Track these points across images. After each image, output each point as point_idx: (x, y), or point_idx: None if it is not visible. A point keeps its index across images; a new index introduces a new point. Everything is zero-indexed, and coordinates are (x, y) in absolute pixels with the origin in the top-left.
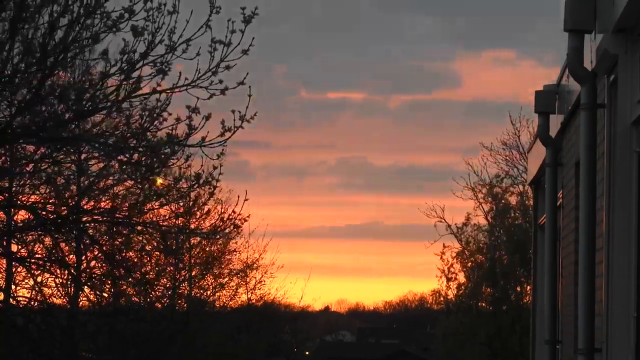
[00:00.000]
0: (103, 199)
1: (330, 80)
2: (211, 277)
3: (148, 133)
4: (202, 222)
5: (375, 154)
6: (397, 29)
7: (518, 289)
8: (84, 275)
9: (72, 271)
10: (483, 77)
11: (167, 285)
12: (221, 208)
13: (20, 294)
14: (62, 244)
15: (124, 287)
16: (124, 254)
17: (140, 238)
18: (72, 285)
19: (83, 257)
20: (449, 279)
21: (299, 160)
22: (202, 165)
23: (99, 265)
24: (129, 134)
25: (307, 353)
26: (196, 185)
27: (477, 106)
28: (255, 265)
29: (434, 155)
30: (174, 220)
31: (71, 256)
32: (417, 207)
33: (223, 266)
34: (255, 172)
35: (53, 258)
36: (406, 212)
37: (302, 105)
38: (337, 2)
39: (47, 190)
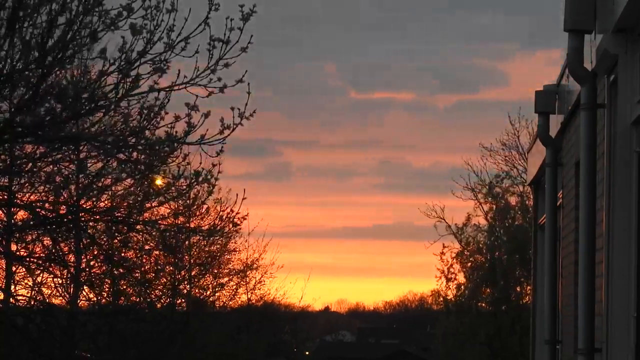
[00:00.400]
0: (102, 198)
1: (378, 80)
2: (211, 277)
3: (147, 131)
4: (201, 221)
5: (415, 154)
6: (447, 27)
7: (518, 289)
8: (83, 274)
9: (72, 270)
10: (534, 77)
11: (167, 285)
12: (220, 207)
13: (20, 293)
14: (62, 243)
15: (124, 286)
16: (123, 254)
17: (140, 237)
18: (72, 284)
19: (82, 257)
20: (448, 279)
21: (339, 160)
22: (200, 163)
23: (99, 264)
24: (127, 132)
25: (307, 353)
26: (195, 183)
27: (525, 106)
28: (255, 265)
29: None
30: (173, 219)
31: (70, 255)
32: (416, 207)
33: (223, 266)
34: (295, 172)
35: (52, 257)
36: (408, 212)
37: (349, 104)
38: (388, 1)
39: (46, 190)
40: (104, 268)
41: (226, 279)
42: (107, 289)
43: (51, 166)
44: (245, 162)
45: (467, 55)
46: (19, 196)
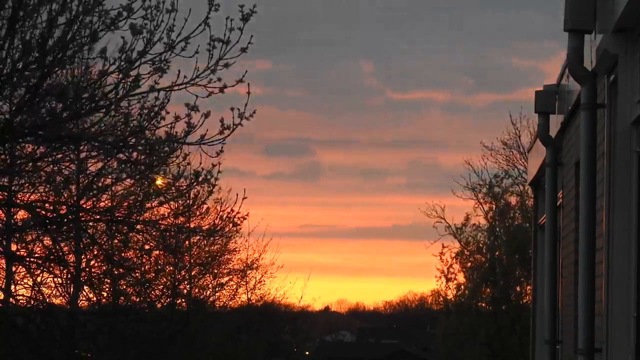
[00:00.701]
0: (102, 198)
1: (414, 79)
2: (210, 277)
3: (147, 131)
4: (201, 221)
5: (446, 155)
6: (485, 26)
7: (518, 289)
8: (83, 274)
9: (72, 270)
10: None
11: (167, 285)
12: (220, 207)
13: (20, 293)
14: (62, 243)
15: (124, 286)
16: (123, 254)
17: (140, 237)
18: (72, 284)
19: (82, 257)
20: (448, 280)
21: (369, 160)
22: (200, 163)
23: (99, 264)
24: (127, 132)
25: (307, 353)
26: (195, 183)
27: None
28: (255, 265)
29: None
30: (174, 219)
31: (70, 255)
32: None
33: (223, 266)
34: (325, 171)
35: (52, 257)
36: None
37: (385, 103)
38: (427, 1)
39: (47, 189)
40: (104, 268)
41: (226, 278)
42: (107, 289)
43: (51, 166)
44: (277, 162)
45: (506, 55)
46: (19, 196)
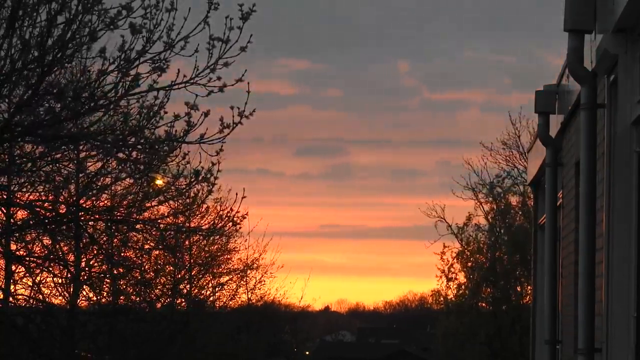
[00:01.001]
0: (102, 198)
1: (452, 79)
2: (210, 276)
3: (146, 130)
4: (201, 220)
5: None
6: (521, 26)
7: (518, 289)
8: (83, 274)
9: (72, 270)
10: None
11: (167, 285)
12: (220, 207)
13: (20, 293)
14: (61, 243)
15: (124, 286)
16: (123, 253)
17: (140, 237)
18: (72, 284)
19: (82, 256)
20: (449, 279)
21: (401, 160)
22: (200, 162)
23: (99, 264)
24: (127, 132)
25: (307, 353)
26: (195, 182)
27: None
28: (255, 265)
29: None
30: (173, 219)
31: (70, 255)
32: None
33: (222, 266)
34: (356, 171)
35: (52, 257)
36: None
37: (421, 104)
38: (463, 1)
39: (46, 189)
40: (104, 268)
41: (226, 278)
42: (107, 289)
43: (51, 165)
44: (309, 162)
45: (540, 54)
46: (19, 195)
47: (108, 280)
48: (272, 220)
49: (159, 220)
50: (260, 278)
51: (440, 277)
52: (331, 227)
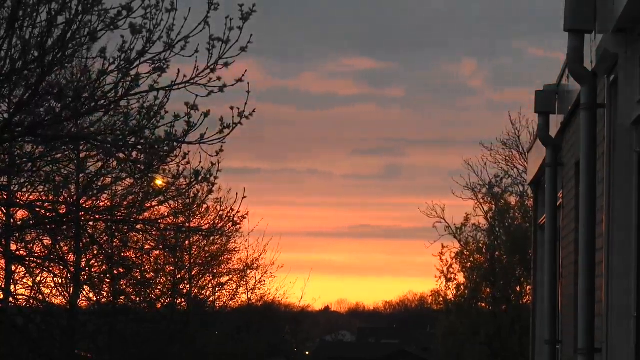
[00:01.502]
0: (102, 198)
1: (515, 78)
2: (210, 276)
3: (146, 130)
4: (201, 220)
5: None
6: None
7: (518, 289)
8: (83, 274)
9: (72, 270)
10: None
11: (167, 285)
12: (220, 207)
13: (20, 293)
14: (61, 243)
15: (124, 286)
16: (123, 253)
17: (140, 237)
18: (72, 284)
19: (82, 256)
20: (448, 280)
21: (452, 161)
22: (200, 162)
23: (99, 264)
24: (127, 132)
25: (307, 353)
26: (195, 183)
27: None
28: (255, 265)
29: None
30: (173, 219)
31: (70, 255)
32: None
33: (222, 266)
34: (407, 171)
35: (52, 257)
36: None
37: (483, 103)
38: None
39: (46, 189)
40: (104, 268)
41: (226, 278)
42: (107, 289)
43: (51, 166)
44: (365, 161)
45: None
46: (19, 195)
47: (108, 281)
48: (272, 221)
49: (159, 220)
50: (260, 278)
51: (440, 277)
52: (331, 227)
